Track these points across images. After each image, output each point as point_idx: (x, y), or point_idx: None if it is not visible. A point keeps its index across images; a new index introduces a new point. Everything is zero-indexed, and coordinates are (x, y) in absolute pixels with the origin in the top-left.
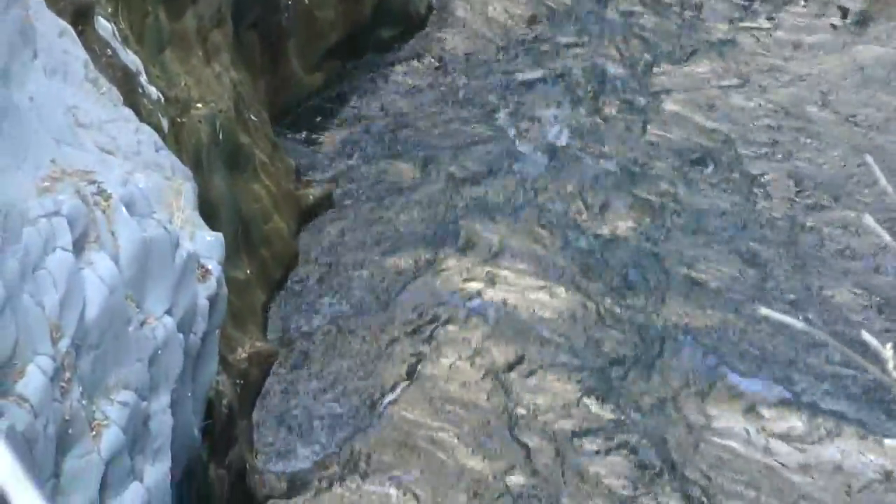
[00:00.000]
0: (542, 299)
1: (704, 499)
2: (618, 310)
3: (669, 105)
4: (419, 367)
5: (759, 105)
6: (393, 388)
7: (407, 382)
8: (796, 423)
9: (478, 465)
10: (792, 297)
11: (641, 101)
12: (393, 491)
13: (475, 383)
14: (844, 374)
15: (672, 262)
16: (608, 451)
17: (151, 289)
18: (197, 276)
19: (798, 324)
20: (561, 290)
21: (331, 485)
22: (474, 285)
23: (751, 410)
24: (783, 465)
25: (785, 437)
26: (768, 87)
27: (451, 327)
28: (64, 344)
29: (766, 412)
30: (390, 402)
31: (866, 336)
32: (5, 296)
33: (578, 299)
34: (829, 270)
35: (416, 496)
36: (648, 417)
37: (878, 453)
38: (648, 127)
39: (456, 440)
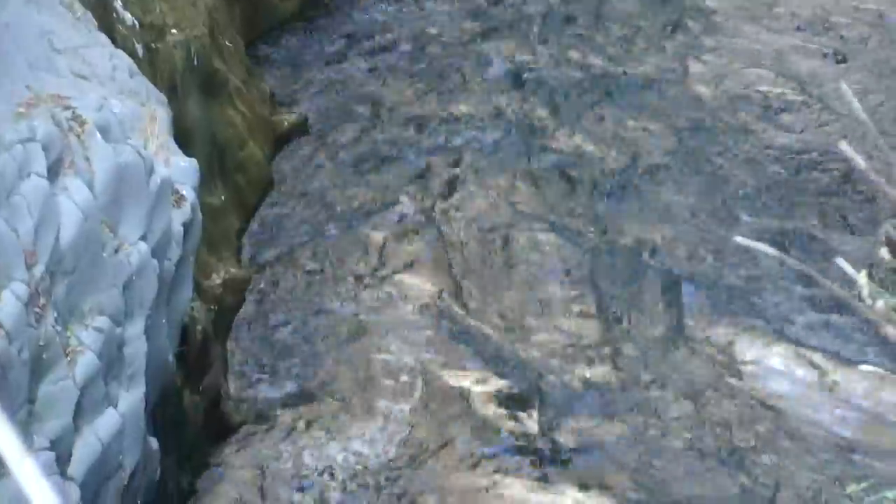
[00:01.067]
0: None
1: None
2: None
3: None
4: (392, 292)
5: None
6: (368, 317)
7: (382, 313)
8: (763, 350)
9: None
10: (764, 222)
11: None
12: (370, 413)
13: (440, 305)
14: (818, 300)
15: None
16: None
17: (126, 214)
18: (172, 201)
19: (770, 250)
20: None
21: (304, 412)
22: (451, 202)
23: (718, 339)
24: (751, 393)
25: (749, 363)
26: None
27: (425, 244)
28: (38, 270)
29: (733, 339)
30: (366, 331)
31: (840, 263)
32: None
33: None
34: (799, 196)
35: (397, 420)
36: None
37: (852, 381)
38: None
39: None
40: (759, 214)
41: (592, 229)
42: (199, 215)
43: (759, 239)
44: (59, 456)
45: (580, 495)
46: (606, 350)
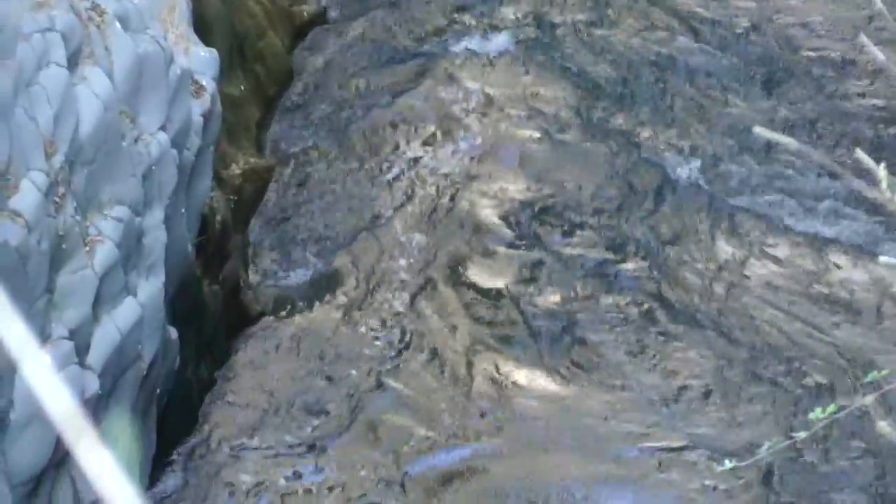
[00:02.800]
0: (537, 91)
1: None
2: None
3: None
4: (415, 187)
5: None
6: (389, 207)
7: (402, 202)
8: (784, 242)
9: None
10: (784, 115)
11: None
12: (389, 299)
13: (464, 188)
14: (837, 193)
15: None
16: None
17: (145, 104)
18: (191, 92)
19: (790, 141)
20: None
21: (324, 301)
22: (472, 85)
23: (737, 230)
24: (768, 283)
25: (772, 258)
26: None
27: (446, 133)
28: (58, 159)
29: (754, 232)
30: (386, 221)
31: (860, 155)
32: None
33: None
34: (823, 92)
35: (414, 309)
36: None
37: (870, 270)
38: None
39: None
40: (777, 105)
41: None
42: (219, 106)
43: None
44: (78, 346)
45: None
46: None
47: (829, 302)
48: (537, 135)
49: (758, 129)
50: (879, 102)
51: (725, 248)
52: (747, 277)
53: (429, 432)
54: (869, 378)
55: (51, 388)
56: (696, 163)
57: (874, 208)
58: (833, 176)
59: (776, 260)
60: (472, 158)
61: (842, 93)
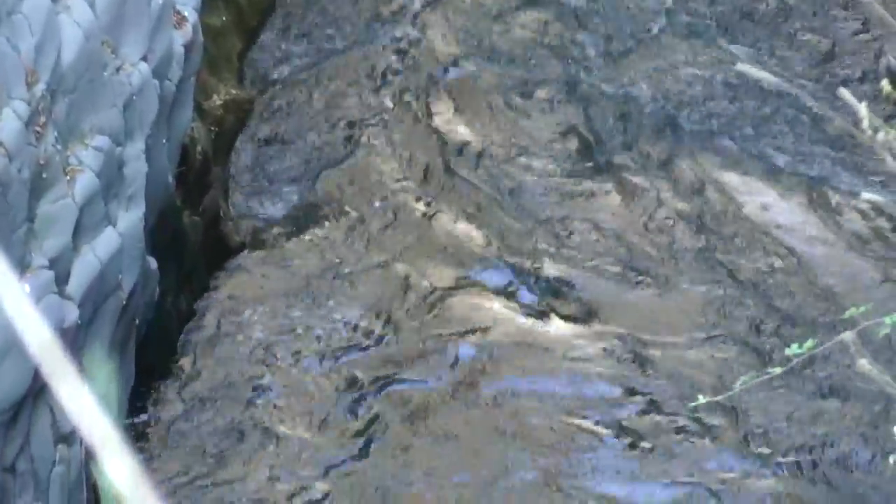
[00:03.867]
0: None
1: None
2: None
3: None
4: (400, 117)
5: None
6: (372, 137)
7: (387, 132)
8: (765, 180)
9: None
10: (768, 50)
11: None
12: (372, 231)
13: (450, 118)
14: (819, 131)
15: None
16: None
17: (127, 35)
18: (173, 22)
19: (773, 79)
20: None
21: (305, 232)
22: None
23: (717, 168)
24: (746, 220)
25: (745, 193)
26: None
27: (421, 74)
28: (39, 88)
29: (731, 168)
30: (366, 152)
31: (843, 93)
32: None
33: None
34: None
35: (397, 240)
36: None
37: (852, 208)
38: None
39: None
40: (756, 45)
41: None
42: (200, 36)
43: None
44: (58, 275)
45: None
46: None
47: (810, 240)
48: (514, 76)
49: (741, 66)
50: (865, 38)
51: (704, 187)
52: (725, 216)
53: (405, 371)
54: (848, 314)
55: (28, 318)
56: (675, 98)
57: (856, 146)
58: (815, 114)
59: (756, 198)
60: (457, 93)
61: (824, 30)
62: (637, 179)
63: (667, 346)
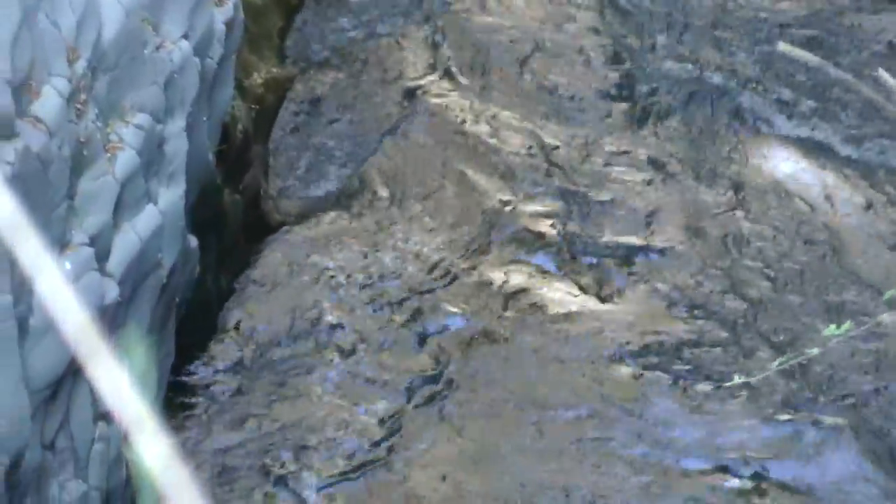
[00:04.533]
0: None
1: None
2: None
3: None
4: (443, 97)
5: None
6: (414, 117)
7: (428, 112)
8: (802, 157)
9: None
10: (809, 32)
11: None
12: (414, 215)
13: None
14: (856, 110)
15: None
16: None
17: (168, 12)
18: (214, 0)
19: (814, 59)
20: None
21: (345, 212)
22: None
23: (761, 144)
24: (783, 199)
25: (789, 175)
26: None
27: (466, 49)
28: (80, 65)
29: (774, 144)
30: (410, 131)
31: (882, 73)
32: (21, 16)
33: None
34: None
35: (432, 219)
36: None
37: (890, 188)
38: None
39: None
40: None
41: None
42: (241, 14)
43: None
44: (98, 252)
45: None
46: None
47: (846, 221)
48: (555, 37)
49: (782, 46)
50: None
51: (742, 166)
52: (764, 194)
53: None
54: (887, 296)
55: (66, 299)
56: (717, 76)
57: (892, 126)
58: (853, 92)
59: (792, 177)
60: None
61: (866, 7)
62: (686, 158)
63: (703, 328)
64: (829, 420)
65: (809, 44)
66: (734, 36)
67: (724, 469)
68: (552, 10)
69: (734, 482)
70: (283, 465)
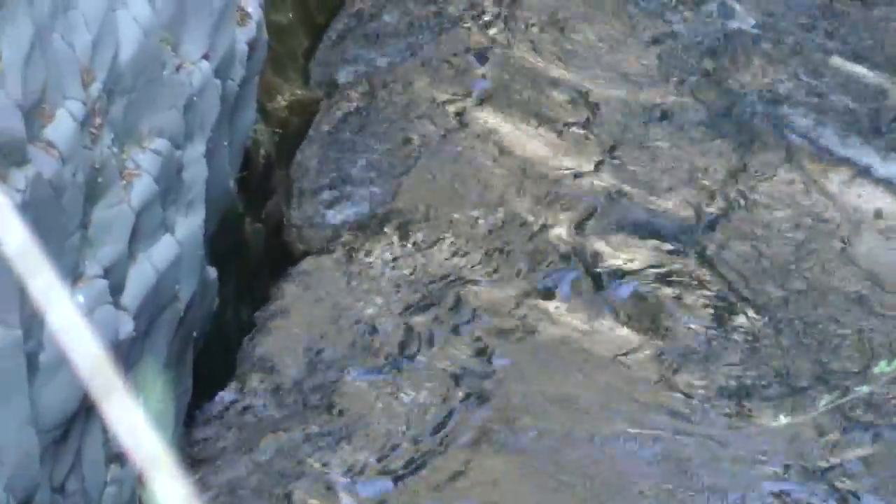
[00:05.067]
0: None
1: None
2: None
3: None
4: (466, 114)
5: None
6: (443, 143)
7: (458, 137)
8: (850, 173)
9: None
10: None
11: None
12: (436, 244)
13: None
14: None
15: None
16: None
17: (188, 32)
18: (236, 19)
19: (868, 73)
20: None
21: (372, 241)
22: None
23: (810, 161)
24: (826, 222)
25: (833, 185)
26: None
27: (493, 71)
28: (95, 88)
29: (823, 162)
30: (435, 160)
31: None
32: (34, 35)
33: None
34: None
35: (464, 247)
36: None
37: None
38: None
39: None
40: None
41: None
42: (265, 34)
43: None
44: (113, 285)
45: None
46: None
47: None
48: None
49: (836, 60)
50: None
51: (786, 181)
52: (807, 215)
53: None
54: None
55: (79, 332)
56: (767, 92)
57: None
58: None
59: (834, 197)
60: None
61: None
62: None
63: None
64: None
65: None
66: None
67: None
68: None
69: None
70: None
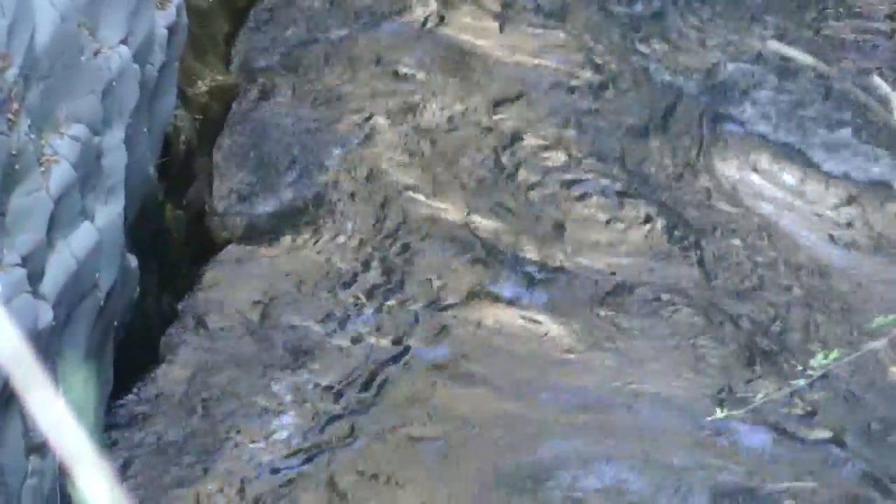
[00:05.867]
0: None
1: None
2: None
3: None
4: (394, 108)
5: None
6: (364, 129)
7: (378, 123)
8: (789, 167)
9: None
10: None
11: None
12: (361, 228)
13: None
14: (848, 116)
15: None
16: None
17: (106, 16)
18: (155, 3)
19: (808, 59)
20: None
21: (294, 228)
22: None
23: (745, 153)
24: (772, 211)
25: (775, 181)
26: None
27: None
28: (11, 73)
29: (762, 155)
30: (358, 144)
31: (877, 80)
32: None
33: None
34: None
35: (382, 231)
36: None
37: (881, 200)
38: None
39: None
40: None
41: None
42: (185, 18)
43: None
44: (31, 273)
45: None
46: None
47: (839, 236)
48: (534, 25)
49: (772, 44)
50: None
51: (727, 171)
52: (745, 203)
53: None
54: (876, 324)
55: None
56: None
57: (887, 135)
58: (845, 98)
59: (780, 185)
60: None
61: (866, 12)
62: (666, 163)
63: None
64: None
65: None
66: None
67: None
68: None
69: None
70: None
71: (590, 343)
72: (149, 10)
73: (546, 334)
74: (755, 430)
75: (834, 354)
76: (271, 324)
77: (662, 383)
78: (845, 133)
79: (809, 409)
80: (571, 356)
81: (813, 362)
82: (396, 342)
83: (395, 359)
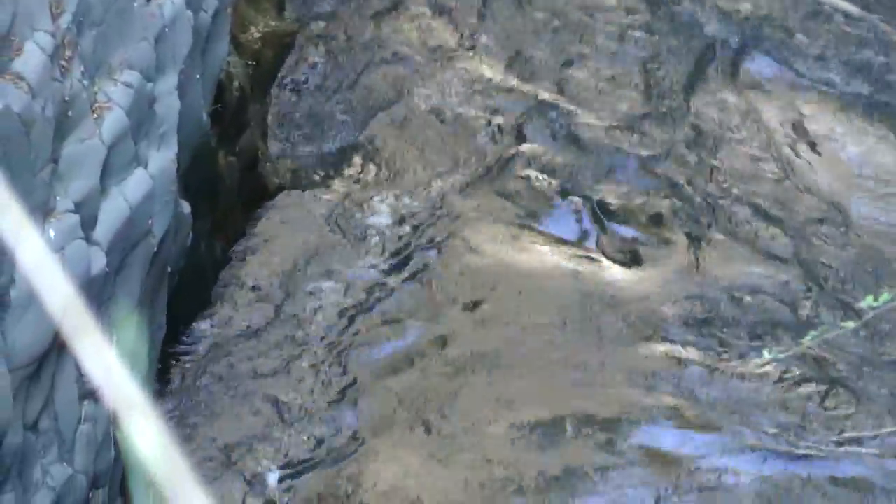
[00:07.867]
0: None
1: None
2: None
3: None
4: (452, 55)
5: None
6: (421, 77)
7: (436, 72)
8: (825, 113)
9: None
10: None
11: None
12: (416, 175)
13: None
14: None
15: None
16: None
17: None
18: None
19: (853, 9)
20: None
21: (347, 175)
22: None
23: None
24: (810, 160)
25: (805, 129)
26: None
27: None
28: (65, 20)
29: (797, 100)
30: (414, 93)
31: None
32: None
33: None
34: None
35: (437, 179)
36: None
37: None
38: None
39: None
40: None
41: None
42: None
43: None
44: (84, 219)
45: None
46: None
47: (876, 187)
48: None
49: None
50: None
51: (767, 119)
52: (793, 152)
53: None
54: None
55: (50, 270)
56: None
57: None
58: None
59: (819, 135)
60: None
61: None
62: (707, 109)
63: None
64: None
65: None
66: None
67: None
68: None
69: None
70: (273, 442)
71: None
72: None
73: None
74: None
75: (885, 297)
76: (319, 271)
77: None
78: (883, 78)
79: None
80: None
81: (863, 304)
82: None
83: None
